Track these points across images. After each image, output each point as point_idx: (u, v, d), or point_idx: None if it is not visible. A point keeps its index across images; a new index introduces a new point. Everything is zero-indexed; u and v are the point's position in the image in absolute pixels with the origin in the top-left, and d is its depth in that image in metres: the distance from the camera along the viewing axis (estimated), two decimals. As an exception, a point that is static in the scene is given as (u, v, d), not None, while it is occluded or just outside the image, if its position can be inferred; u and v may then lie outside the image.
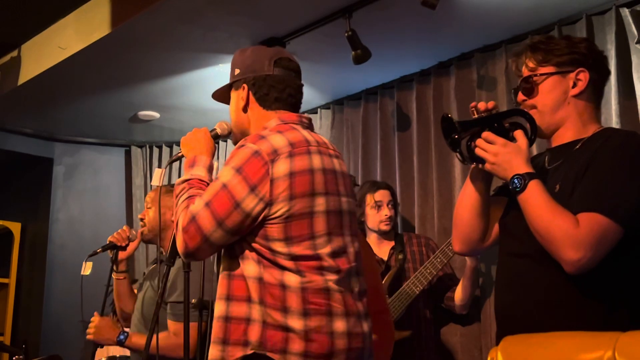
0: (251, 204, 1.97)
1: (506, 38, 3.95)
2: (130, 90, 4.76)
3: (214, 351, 2.00)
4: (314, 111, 5.00)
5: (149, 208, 3.44)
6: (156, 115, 5.25)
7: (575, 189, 1.84)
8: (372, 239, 3.86)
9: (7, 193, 5.87)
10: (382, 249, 3.83)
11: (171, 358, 2.97)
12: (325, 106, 4.97)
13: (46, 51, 4.42)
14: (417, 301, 3.67)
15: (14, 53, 4.68)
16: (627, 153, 1.85)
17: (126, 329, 3.33)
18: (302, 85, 2.31)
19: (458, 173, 4.04)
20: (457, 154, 2.00)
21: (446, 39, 4.05)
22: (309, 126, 2.22)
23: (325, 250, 2.02)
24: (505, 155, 1.88)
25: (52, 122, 5.46)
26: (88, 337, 3.21)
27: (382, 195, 3.80)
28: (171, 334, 3.02)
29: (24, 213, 5.83)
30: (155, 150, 5.91)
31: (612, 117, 3.46)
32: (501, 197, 2.12)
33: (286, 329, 1.94)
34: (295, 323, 1.94)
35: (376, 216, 3.78)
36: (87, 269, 3.26)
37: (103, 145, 5.95)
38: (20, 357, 3.80)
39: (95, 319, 3.22)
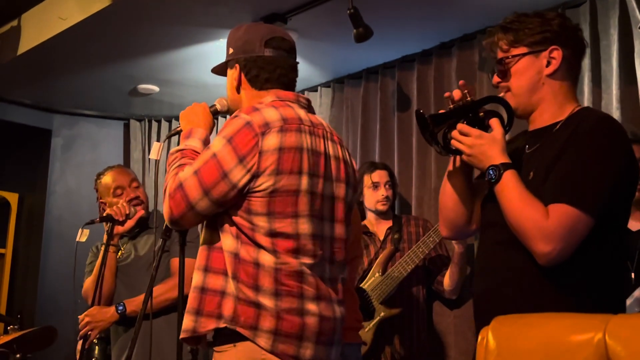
0: (238, 175, 1.97)
1: (509, 20, 3.92)
2: (130, 63, 4.74)
3: (187, 321, 2.02)
4: (314, 89, 4.98)
5: (138, 187, 3.46)
6: (156, 89, 5.23)
7: (547, 177, 1.83)
8: (370, 218, 3.92)
9: (5, 163, 5.86)
10: (379, 229, 3.86)
11: (171, 302, 3.11)
12: (326, 84, 4.95)
13: (46, 21, 4.39)
14: (410, 280, 3.70)
15: (14, 22, 4.65)
16: (596, 140, 1.82)
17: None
18: (296, 63, 2.28)
19: (457, 155, 4.03)
20: (435, 147, 1.98)
21: (449, 20, 4.03)
22: (307, 107, 2.22)
23: (305, 231, 2.02)
24: (481, 147, 1.88)
25: (51, 94, 5.44)
26: (94, 332, 3.22)
27: (379, 175, 3.82)
28: (171, 278, 3.17)
29: (22, 184, 5.82)
30: (154, 125, 5.90)
31: (612, 102, 3.46)
32: (484, 182, 2.12)
33: (258, 305, 1.95)
34: (267, 301, 1.95)
35: (373, 196, 3.81)
36: (83, 236, 3.25)
37: (102, 118, 5.93)
38: (15, 327, 3.81)
39: (83, 315, 3.23)
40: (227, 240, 2.02)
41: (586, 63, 3.62)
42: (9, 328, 3.80)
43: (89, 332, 3.22)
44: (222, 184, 1.97)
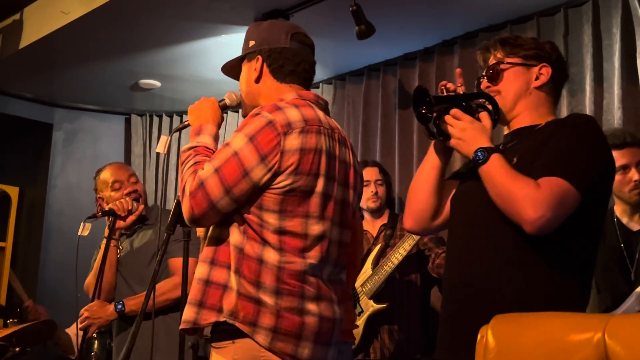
0: (260, 173, 1.96)
1: (512, 18, 3.92)
2: (132, 58, 4.74)
3: (188, 312, 2.01)
4: (315, 85, 4.98)
5: (136, 183, 3.46)
6: (157, 84, 5.24)
7: (534, 161, 1.90)
8: (365, 217, 3.93)
9: (6, 157, 5.85)
10: (374, 226, 3.89)
11: (171, 302, 3.10)
12: (327, 81, 4.95)
13: (48, 15, 4.40)
14: (401, 273, 3.70)
15: (17, 16, 4.65)
16: (587, 132, 1.93)
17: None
18: (315, 62, 2.28)
19: (456, 154, 4.02)
20: (424, 128, 2.05)
21: (451, 18, 4.03)
22: (325, 109, 2.21)
23: (314, 232, 2.02)
24: (472, 132, 1.94)
25: (53, 88, 5.45)
26: (92, 328, 3.23)
27: (369, 173, 3.83)
28: (172, 278, 3.17)
29: (22, 178, 5.82)
30: (155, 119, 5.90)
31: (614, 102, 3.46)
32: (453, 181, 2.18)
33: (258, 302, 1.95)
34: (267, 298, 1.95)
35: (363, 194, 3.81)
36: (85, 230, 3.24)
37: (103, 113, 5.93)
38: (15, 320, 3.82)
39: (83, 310, 3.24)
40: (234, 235, 2.01)
41: (588, 62, 3.62)
42: (8, 322, 3.81)
43: (88, 327, 3.23)
44: (243, 182, 1.95)
